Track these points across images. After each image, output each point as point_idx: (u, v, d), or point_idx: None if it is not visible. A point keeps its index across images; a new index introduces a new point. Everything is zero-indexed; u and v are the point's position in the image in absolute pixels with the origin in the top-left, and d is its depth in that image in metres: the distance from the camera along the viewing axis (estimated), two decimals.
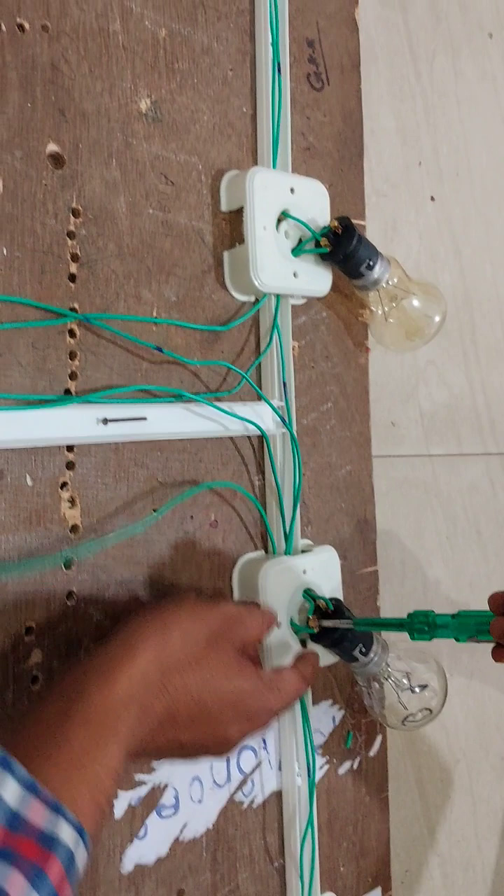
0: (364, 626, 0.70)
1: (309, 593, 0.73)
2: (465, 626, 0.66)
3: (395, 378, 0.96)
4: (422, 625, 0.67)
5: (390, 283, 0.78)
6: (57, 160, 0.60)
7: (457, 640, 0.66)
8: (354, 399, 0.85)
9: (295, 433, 0.75)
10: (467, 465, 1.06)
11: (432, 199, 1.03)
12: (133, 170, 0.65)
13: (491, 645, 0.65)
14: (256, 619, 0.62)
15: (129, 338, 0.63)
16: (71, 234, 0.61)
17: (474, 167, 1.08)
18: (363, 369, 0.86)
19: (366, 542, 0.86)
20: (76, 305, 0.61)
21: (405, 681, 0.76)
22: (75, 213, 0.61)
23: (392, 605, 0.91)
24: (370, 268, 0.75)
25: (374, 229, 0.92)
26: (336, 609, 0.72)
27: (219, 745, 0.57)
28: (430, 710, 0.78)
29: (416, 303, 0.80)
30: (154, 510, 0.66)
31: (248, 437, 0.73)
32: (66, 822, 0.42)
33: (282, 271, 0.72)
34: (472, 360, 1.08)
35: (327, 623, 0.71)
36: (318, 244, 0.73)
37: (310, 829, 0.75)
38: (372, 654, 0.73)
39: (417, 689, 0.77)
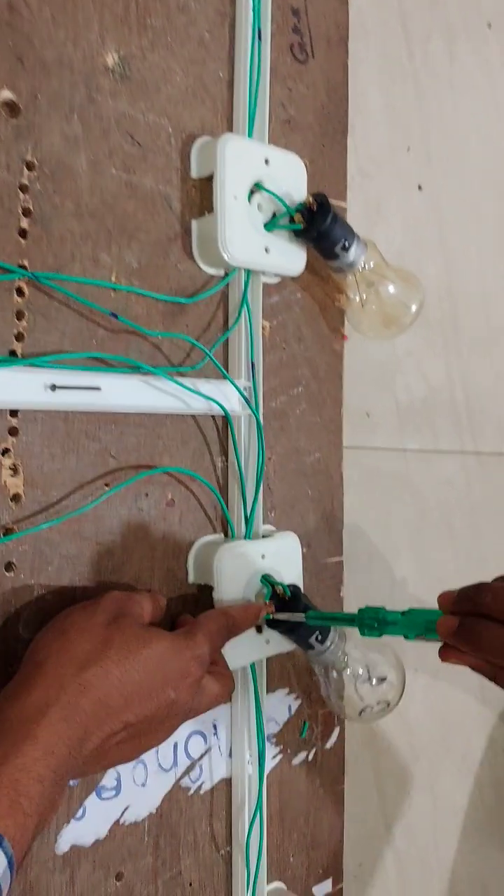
0: (316, 620, 0.69)
1: (267, 579, 0.71)
2: (413, 624, 0.65)
3: (372, 367, 0.94)
4: (371, 620, 0.66)
5: (366, 266, 0.76)
6: (12, 109, 0.58)
7: (406, 637, 0.65)
8: (327, 384, 0.82)
9: (261, 415, 0.73)
10: (443, 461, 1.04)
11: (420, 188, 1.00)
12: (96, 127, 0.62)
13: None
14: (146, 597, 0.61)
15: (83, 302, 0.61)
16: (24, 188, 0.58)
17: (466, 157, 1.06)
18: (337, 355, 0.84)
19: (332, 532, 0.84)
20: (26, 263, 0.58)
21: (363, 672, 0.74)
22: (30, 166, 0.58)
23: (356, 596, 0.89)
24: (345, 249, 0.73)
25: (356, 211, 0.89)
26: (293, 596, 0.70)
27: (170, 710, 0.56)
28: (388, 703, 0.76)
29: (392, 289, 0.78)
30: (106, 486, 0.63)
31: (213, 417, 0.71)
32: None
33: (252, 245, 0.69)
34: (454, 354, 1.06)
35: (280, 616, 0.69)
36: (291, 220, 0.71)
37: (258, 815, 0.73)
38: (328, 643, 0.71)
39: (375, 682, 0.75)
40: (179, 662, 0.56)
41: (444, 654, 0.63)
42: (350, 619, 0.67)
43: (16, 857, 0.44)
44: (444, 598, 0.64)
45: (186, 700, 0.57)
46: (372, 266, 0.76)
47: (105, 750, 0.53)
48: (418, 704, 1.00)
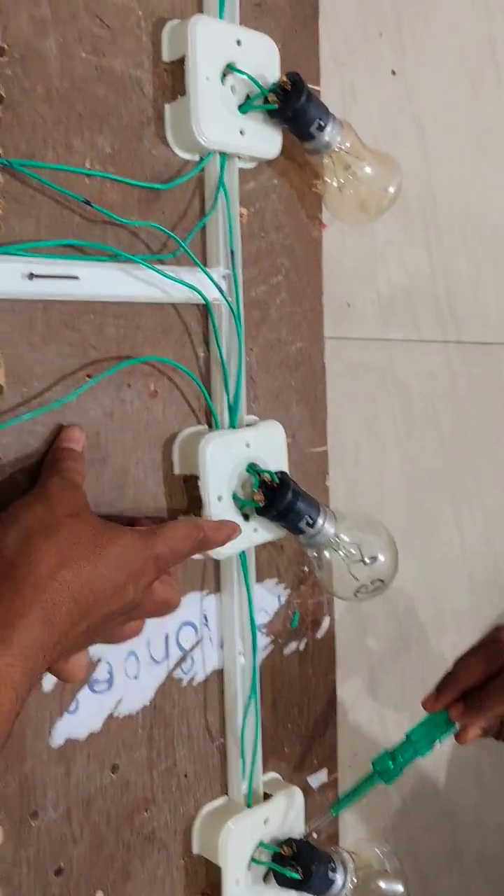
0: (344, 805, 0.75)
1: (253, 467, 0.71)
2: (424, 738, 0.75)
3: (352, 257, 0.93)
4: (387, 765, 0.74)
5: (343, 147, 0.74)
6: None
7: (422, 754, 0.75)
8: (307, 273, 0.81)
9: (241, 303, 0.71)
10: (426, 351, 1.04)
11: (393, 73, 0.98)
12: (64, 9, 0.60)
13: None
14: (78, 469, 0.59)
15: (57, 189, 0.59)
16: None
17: (439, 42, 1.03)
18: (316, 243, 0.82)
19: (315, 422, 0.84)
20: None
21: (355, 552, 0.75)
22: (0, 51, 0.57)
23: (344, 487, 0.89)
24: (321, 128, 0.71)
25: (330, 97, 0.87)
26: (282, 483, 0.70)
27: (125, 607, 0.55)
28: (382, 581, 0.77)
29: (369, 171, 0.77)
30: (88, 376, 0.63)
31: (196, 306, 0.70)
32: None
33: (227, 127, 0.68)
34: (434, 244, 1.05)
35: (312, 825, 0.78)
36: (266, 100, 0.69)
37: (253, 701, 0.74)
38: (319, 525, 0.72)
39: (368, 561, 0.75)
40: (139, 559, 0.55)
41: (463, 736, 0.74)
42: (371, 778, 0.74)
43: None
44: (427, 701, 0.75)
45: (137, 598, 0.55)
46: (348, 147, 0.74)
47: (67, 648, 0.52)
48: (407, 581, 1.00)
